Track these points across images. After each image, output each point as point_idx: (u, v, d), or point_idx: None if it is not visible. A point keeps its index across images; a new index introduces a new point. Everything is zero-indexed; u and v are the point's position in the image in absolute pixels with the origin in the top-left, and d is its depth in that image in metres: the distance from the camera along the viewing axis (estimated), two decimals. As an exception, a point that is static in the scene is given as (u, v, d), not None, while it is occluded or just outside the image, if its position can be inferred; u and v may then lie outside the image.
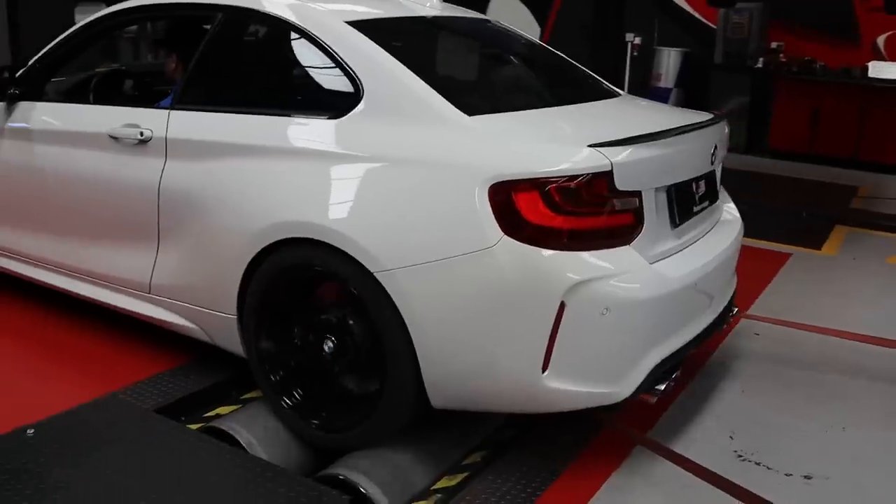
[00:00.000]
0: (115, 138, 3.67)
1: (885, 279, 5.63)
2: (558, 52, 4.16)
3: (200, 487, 2.59)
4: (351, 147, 3.05)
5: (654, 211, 2.99)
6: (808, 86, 9.75)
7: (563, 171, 2.73)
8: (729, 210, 3.85)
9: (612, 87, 4.03)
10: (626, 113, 3.60)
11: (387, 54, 3.16)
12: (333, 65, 3.21)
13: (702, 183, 3.39)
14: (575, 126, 3.10)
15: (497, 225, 2.73)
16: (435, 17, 3.76)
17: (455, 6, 4.07)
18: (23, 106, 4.14)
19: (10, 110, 4.16)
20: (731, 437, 3.40)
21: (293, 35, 3.38)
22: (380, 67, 3.13)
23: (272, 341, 3.24)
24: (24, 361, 3.95)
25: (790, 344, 4.38)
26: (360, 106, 3.10)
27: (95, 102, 4.19)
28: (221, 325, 3.41)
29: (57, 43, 4.14)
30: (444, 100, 3.01)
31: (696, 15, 10.57)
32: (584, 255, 2.76)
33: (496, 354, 2.81)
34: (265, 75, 3.65)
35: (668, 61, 10.64)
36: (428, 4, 3.78)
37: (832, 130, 9.52)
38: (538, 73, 4.06)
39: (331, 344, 3.09)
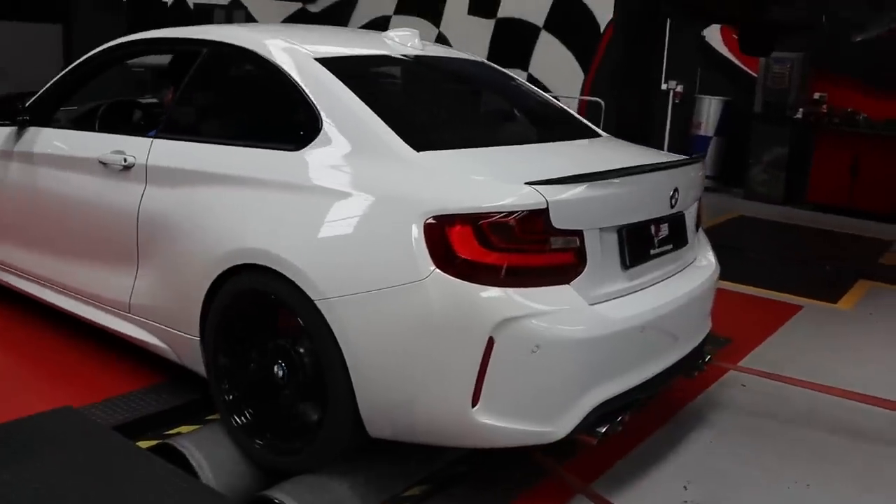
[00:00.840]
0: (103, 164, 3.83)
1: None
2: (542, 93, 4.21)
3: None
4: (303, 178, 3.14)
5: (600, 251, 2.99)
6: (849, 138, 9.57)
7: (495, 207, 2.76)
8: (704, 255, 3.81)
9: (593, 128, 4.05)
10: (588, 153, 3.61)
11: (347, 90, 3.25)
12: (298, 99, 3.31)
13: (663, 226, 3.37)
14: (525, 164, 3.11)
15: (430, 258, 2.76)
16: (416, 56, 3.83)
17: (444, 47, 4.16)
18: (31, 131, 4.34)
19: (19, 135, 4.37)
20: (684, 487, 3.34)
21: (264, 69, 3.49)
22: (338, 102, 3.22)
23: (228, 361, 3.32)
24: (8, 368, 4.12)
25: (777, 398, 4.29)
26: (318, 139, 3.19)
27: (99, 130, 4.35)
28: (187, 345, 3.50)
29: (63, 74, 4.35)
30: (394, 134, 3.08)
31: (739, 63, 10.50)
32: (516, 291, 2.76)
33: (427, 386, 2.83)
34: (236, 107, 3.79)
35: (709, 110, 10.56)
36: (409, 44, 3.85)
37: (872, 184, 9.32)
38: (512, 112, 4.11)
39: (281, 368, 3.15)
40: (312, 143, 3.20)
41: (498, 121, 4.03)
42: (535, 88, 4.25)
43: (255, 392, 3.25)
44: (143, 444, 3.34)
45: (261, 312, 3.20)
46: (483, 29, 12.56)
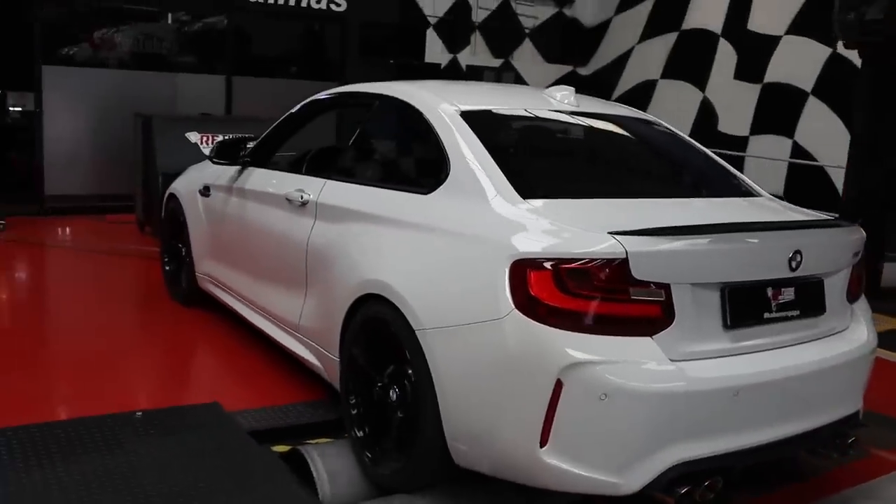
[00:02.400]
0: (288, 200, 4.35)
1: None
2: (705, 152, 4.16)
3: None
4: (420, 218, 3.43)
5: (692, 308, 2.95)
6: None
7: (573, 254, 2.84)
8: (857, 327, 3.55)
9: (753, 187, 3.96)
10: (715, 210, 3.52)
11: (476, 140, 3.49)
12: (435, 146, 3.61)
13: (787, 290, 3.22)
14: (629, 216, 3.12)
15: (510, 298, 2.90)
16: (565, 112, 3.98)
17: (606, 103, 4.28)
18: (248, 171, 5.02)
19: (240, 174, 5.07)
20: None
21: (414, 120, 3.82)
22: (465, 151, 3.47)
23: (357, 380, 3.64)
24: (205, 365, 4.77)
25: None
26: (444, 184, 3.46)
27: (305, 173, 4.92)
28: (332, 365, 3.88)
29: (278, 124, 4.99)
30: (505, 182, 3.26)
31: None
32: (589, 338, 2.82)
33: (501, 421, 2.95)
34: (389, 153, 4.16)
35: None
36: (565, 101, 4.02)
37: None
38: (653, 168, 4.10)
39: (395, 392, 3.41)
40: (439, 188, 3.47)
41: (628, 174, 4.05)
42: (699, 147, 4.22)
43: (375, 410, 3.53)
44: (279, 449, 3.74)
45: (382, 339, 3.49)
46: (749, 94, 12.21)
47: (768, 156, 11.86)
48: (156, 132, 8.08)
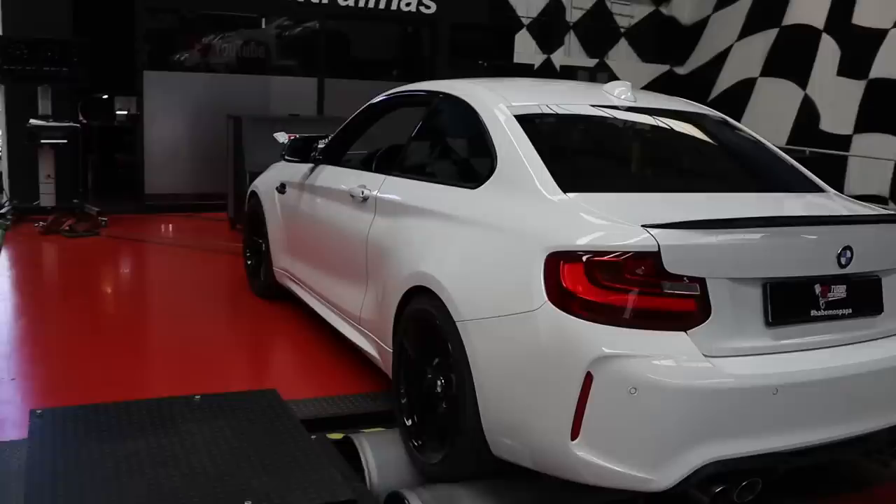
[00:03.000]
0: (352, 195, 4.47)
1: None
2: (769, 147, 4.06)
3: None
4: (468, 212, 3.48)
5: (730, 303, 2.90)
6: None
7: (605, 247, 2.84)
8: None
9: (818, 183, 3.85)
10: (770, 204, 3.44)
11: (523, 136, 3.51)
12: (485, 142, 3.66)
13: (837, 287, 3.12)
14: (672, 210, 3.06)
15: (544, 290, 2.92)
16: (622, 107, 3.95)
17: (665, 97, 4.23)
18: (320, 168, 5.17)
19: (312, 171, 5.22)
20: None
21: (468, 116, 3.87)
22: (512, 146, 3.50)
23: (407, 370, 3.72)
24: (279, 354, 5.01)
25: None
26: (491, 179, 3.50)
27: (375, 170, 5.04)
28: (387, 356, 3.97)
29: (346, 123, 5.13)
30: (548, 176, 3.28)
31: None
32: (616, 329, 2.81)
33: (535, 413, 2.97)
34: (443, 149, 4.22)
35: None
36: (623, 97, 3.99)
37: None
38: (709, 162, 4.02)
39: (441, 383, 3.47)
40: (486, 183, 3.51)
41: (676, 169, 3.98)
42: (762, 141, 4.12)
43: (423, 400, 3.60)
44: (334, 436, 3.84)
45: (429, 331, 3.55)
46: (853, 90, 11.73)
47: (873, 155, 11.38)
48: (245, 132, 8.39)
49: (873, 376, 3.16)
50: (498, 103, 3.78)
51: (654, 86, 13.98)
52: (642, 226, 2.84)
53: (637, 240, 2.82)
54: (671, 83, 14.23)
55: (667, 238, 2.80)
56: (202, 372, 4.67)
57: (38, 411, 3.54)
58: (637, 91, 4.11)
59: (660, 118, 4.07)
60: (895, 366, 3.21)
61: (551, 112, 3.86)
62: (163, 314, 6.17)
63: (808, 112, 12.42)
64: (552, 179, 3.27)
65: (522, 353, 2.99)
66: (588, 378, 2.80)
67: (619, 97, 4.00)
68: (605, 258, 2.84)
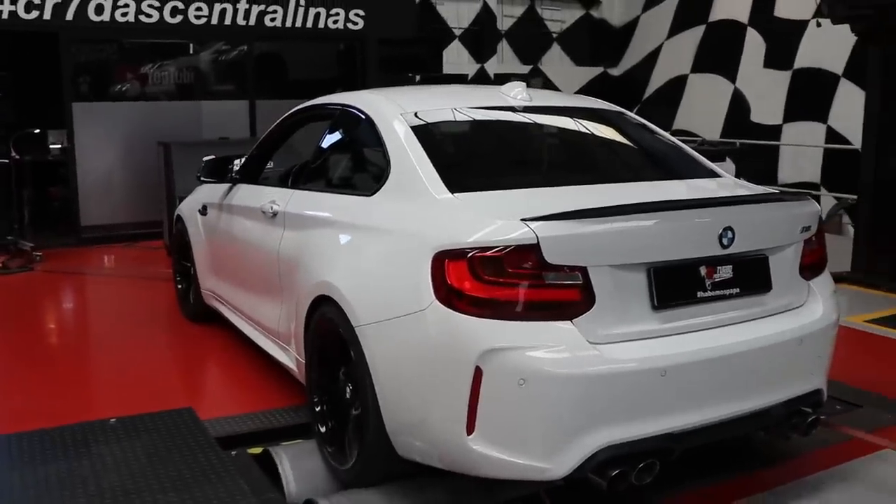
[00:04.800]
0: (263, 212, 4.49)
1: None
2: (665, 137, 4.17)
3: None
4: (364, 219, 3.54)
5: (613, 289, 2.96)
6: None
7: (486, 243, 2.90)
8: (813, 303, 3.50)
9: (714, 169, 3.94)
10: (654, 191, 3.51)
11: (415, 141, 3.57)
12: (380, 149, 3.71)
13: (723, 268, 3.20)
14: (555, 203, 3.07)
15: (431, 289, 2.98)
16: (516, 107, 4.01)
17: (561, 95, 4.33)
18: (237, 188, 5.19)
19: (230, 191, 5.24)
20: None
21: (365, 125, 3.93)
22: (405, 153, 3.55)
23: (318, 378, 3.77)
24: (200, 375, 5.07)
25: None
26: (385, 184, 3.55)
27: (290, 186, 5.06)
28: (303, 368, 3.99)
29: (259, 142, 5.16)
30: (437, 179, 3.34)
31: None
32: (502, 323, 2.87)
33: (432, 412, 3.02)
34: (345, 159, 4.28)
35: None
36: (519, 97, 4.06)
37: None
38: (599, 155, 4.12)
39: (349, 389, 3.51)
40: (380, 189, 3.57)
41: (566, 164, 4.07)
42: (658, 131, 4.22)
43: (334, 407, 3.64)
44: (254, 451, 3.86)
45: (334, 339, 3.58)
46: (780, 81, 12.01)
47: (803, 143, 11.64)
48: (175, 158, 8.40)
49: (763, 353, 3.25)
50: (393, 111, 3.84)
51: (588, 88, 14.19)
52: (522, 220, 2.90)
53: (517, 234, 2.88)
54: (605, 85, 14.45)
55: (545, 230, 2.87)
56: (126, 396, 4.66)
57: (-53, 445, 3.52)
58: (533, 90, 4.19)
59: (555, 116, 4.15)
60: (784, 341, 3.31)
61: (445, 117, 3.93)
62: (94, 343, 6.16)
63: (738, 105, 12.69)
64: (441, 181, 3.33)
65: (416, 353, 3.04)
66: (478, 373, 2.85)
67: (515, 97, 4.08)
68: (486, 254, 2.90)
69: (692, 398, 3.08)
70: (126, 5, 9.52)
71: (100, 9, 9.39)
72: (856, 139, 10.88)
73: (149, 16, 9.67)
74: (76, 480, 3.23)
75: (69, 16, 9.25)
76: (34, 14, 9.09)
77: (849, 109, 11.20)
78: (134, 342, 5.77)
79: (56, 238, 9.49)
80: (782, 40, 11.96)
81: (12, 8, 8.96)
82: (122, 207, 9.90)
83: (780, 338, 3.29)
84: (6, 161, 8.94)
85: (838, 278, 3.84)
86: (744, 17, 12.60)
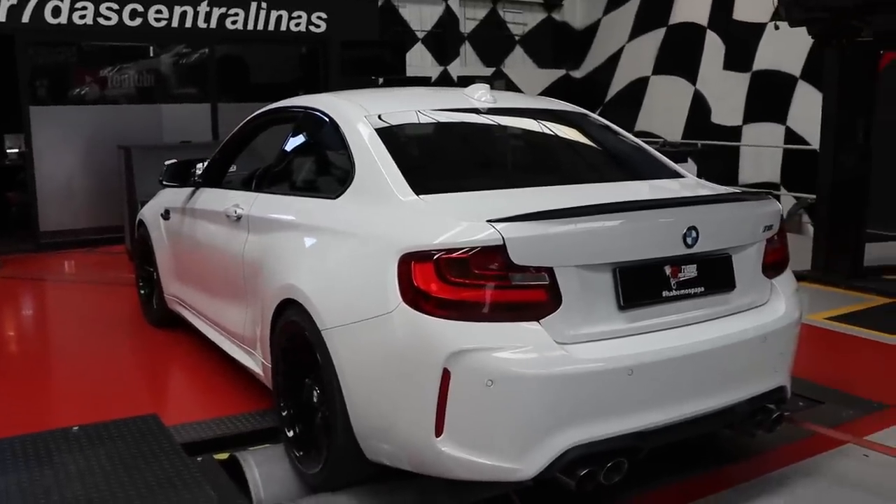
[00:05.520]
0: (227, 215, 4.45)
1: None
2: (627, 138, 4.20)
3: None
4: (329, 222, 3.52)
5: (579, 290, 2.98)
6: None
7: (452, 244, 2.90)
8: (776, 300, 3.54)
9: (676, 169, 3.98)
10: (618, 192, 3.52)
11: (380, 143, 3.56)
12: (344, 152, 3.70)
13: (688, 267, 3.24)
14: (519, 204, 3.07)
15: (398, 292, 2.97)
16: (480, 109, 4.03)
17: (523, 97, 4.34)
18: (200, 191, 5.13)
19: (193, 195, 5.19)
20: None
21: (329, 128, 3.91)
22: (369, 154, 3.54)
23: (285, 383, 3.75)
24: (164, 381, 5.07)
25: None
26: (350, 187, 3.54)
27: (254, 190, 5.01)
28: (269, 372, 3.96)
29: (222, 145, 5.11)
30: (402, 181, 3.34)
31: None
32: (471, 325, 2.87)
33: (400, 414, 3.02)
34: (308, 162, 4.27)
35: None
36: (483, 98, 4.07)
37: None
38: (563, 156, 4.15)
39: (316, 392, 3.49)
40: (345, 192, 3.55)
41: (529, 165, 4.09)
42: (620, 132, 4.26)
43: (302, 411, 3.61)
44: (220, 456, 3.82)
45: (300, 342, 3.56)
46: (739, 83, 12.16)
47: (763, 143, 11.80)
48: (135, 162, 8.30)
49: (728, 351, 3.29)
50: (357, 113, 3.83)
51: (551, 90, 14.26)
52: (487, 221, 2.91)
53: (482, 235, 2.89)
54: (568, 87, 14.53)
55: (511, 231, 2.88)
56: (89, 403, 4.59)
57: None
58: (497, 92, 4.21)
59: (518, 117, 4.17)
60: (748, 339, 3.35)
61: (409, 119, 3.93)
62: (55, 350, 6.07)
63: (699, 106, 12.83)
64: (406, 183, 3.33)
65: (383, 356, 3.03)
66: (445, 374, 2.86)
67: (479, 99, 4.09)
68: (453, 255, 2.90)
69: (659, 397, 3.10)
70: (84, 7, 9.41)
71: (57, 11, 9.27)
72: (814, 140, 11.07)
73: (108, 18, 9.56)
74: (38, 491, 3.16)
75: (25, 18, 9.12)
76: (-11, 16, 8.95)
77: (807, 111, 11.37)
78: (96, 348, 5.69)
79: (15, 244, 9.35)
80: (741, 43, 12.11)
81: (-33, 10, 8.81)
82: (83, 212, 9.76)
83: (743, 336, 3.34)
84: (-38, 166, 8.77)
85: (799, 276, 3.89)
86: (703, 19, 12.74)
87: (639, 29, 13.85)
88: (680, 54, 13.11)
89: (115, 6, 9.56)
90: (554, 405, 2.89)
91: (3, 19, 9.00)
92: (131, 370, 5.41)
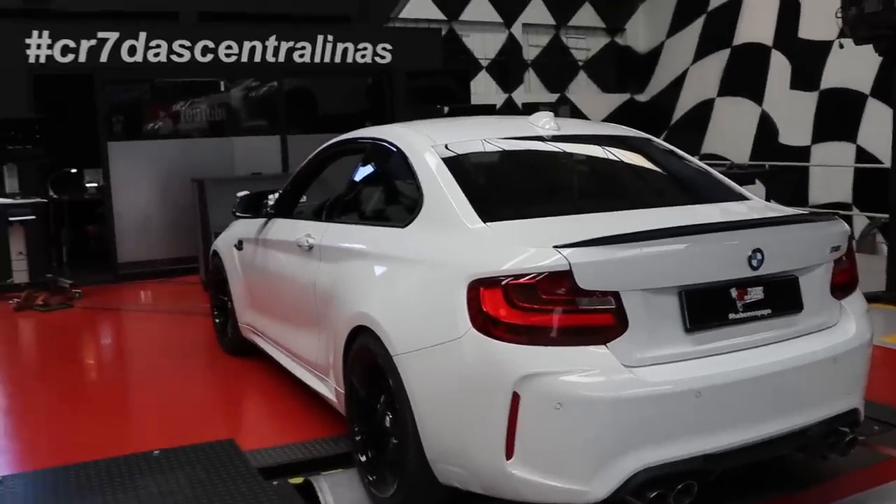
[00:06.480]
0: (299, 245, 4.59)
1: None
2: (693, 162, 4.22)
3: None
4: (399, 250, 3.61)
5: (646, 313, 3.01)
6: None
7: (520, 270, 2.96)
8: (846, 322, 3.51)
9: (742, 192, 3.99)
10: (682, 216, 3.52)
11: (447, 172, 3.65)
12: (413, 181, 3.79)
13: (754, 289, 3.24)
14: (587, 230, 3.10)
15: (468, 317, 3.04)
16: (546, 137, 4.08)
17: (589, 123, 4.38)
18: (272, 222, 5.29)
19: (265, 225, 5.35)
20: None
21: (397, 158, 4.02)
22: (437, 184, 3.63)
23: (358, 408, 3.83)
24: (240, 407, 5.20)
25: None
26: (418, 216, 3.63)
27: (325, 220, 5.14)
28: (342, 398, 4.06)
29: (294, 176, 5.27)
30: (470, 209, 3.42)
31: None
32: (537, 349, 2.92)
33: (471, 437, 3.07)
34: (377, 191, 4.37)
35: None
36: (547, 126, 4.14)
37: None
38: (626, 182, 4.17)
39: (389, 417, 3.57)
40: (414, 221, 3.65)
41: (594, 191, 4.11)
42: (685, 156, 4.28)
43: (374, 436, 3.69)
44: (294, 481, 3.92)
45: (372, 368, 3.64)
46: (807, 102, 12.01)
47: (833, 163, 11.61)
48: (209, 194, 8.57)
49: (798, 372, 3.26)
50: (424, 143, 3.93)
51: (615, 115, 14.26)
52: (554, 247, 2.96)
53: (549, 261, 2.94)
54: (632, 111, 14.52)
55: (578, 256, 2.92)
56: (168, 428, 4.74)
57: (-1, 478, 3.62)
58: (561, 120, 4.27)
59: (583, 144, 4.22)
60: (818, 360, 3.32)
61: (475, 148, 4.01)
62: (135, 377, 6.27)
63: (766, 127, 12.70)
64: (473, 211, 3.41)
65: (454, 381, 3.10)
66: (515, 398, 2.91)
67: (544, 127, 4.15)
68: (520, 281, 2.96)
69: (728, 419, 3.10)
70: (158, 46, 9.77)
71: (133, 50, 9.65)
72: (886, 158, 10.87)
73: (180, 55, 9.91)
74: (122, 512, 3.30)
75: (103, 58, 9.51)
76: (70, 57, 9.36)
77: (878, 128, 11.17)
78: (174, 376, 5.87)
79: (94, 275, 9.68)
80: (807, 62, 11.98)
81: (49, 52, 9.24)
82: (158, 244, 10.09)
83: (813, 357, 3.31)
84: (44, 201, 9.15)
85: (873, 298, 3.84)
86: (768, 39, 12.64)
87: (703, 51, 13.79)
88: (745, 75, 13.01)
89: (188, 43, 9.91)
90: (622, 428, 2.91)
91: (84, 60, 9.40)
92: (208, 397, 5.58)
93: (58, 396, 5.60)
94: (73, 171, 10.54)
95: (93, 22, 9.55)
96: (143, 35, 9.65)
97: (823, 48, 11.64)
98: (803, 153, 12.05)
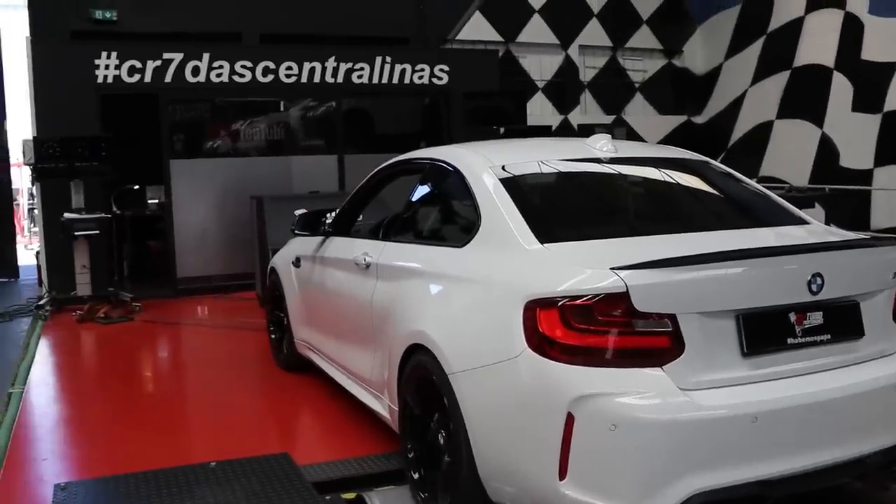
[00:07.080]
0: (356, 263, 4.66)
1: None
2: (750, 185, 4.19)
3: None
4: (456, 270, 3.65)
5: (702, 336, 3.00)
6: None
7: (577, 292, 2.99)
8: None
9: (801, 216, 3.95)
10: (740, 239, 3.49)
11: (505, 193, 3.69)
12: (470, 202, 3.84)
13: (813, 314, 3.21)
14: (644, 253, 3.09)
15: (523, 338, 3.07)
16: (602, 159, 4.10)
17: (645, 146, 4.38)
18: (330, 240, 5.38)
19: (323, 243, 5.43)
20: None
21: (454, 179, 4.07)
22: (495, 205, 3.67)
23: (411, 426, 3.86)
24: (295, 422, 5.29)
25: None
26: (476, 236, 3.67)
27: (382, 239, 5.21)
28: (395, 415, 4.10)
29: (352, 195, 5.35)
30: (528, 230, 3.45)
31: None
32: (593, 370, 2.94)
33: (524, 457, 3.09)
34: (434, 211, 4.41)
35: None
36: (605, 149, 4.15)
37: None
38: (684, 204, 4.15)
39: (442, 435, 3.60)
40: (471, 241, 3.69)
41: (652, 213, 4.10)
42: (743, 179, 4.25)
43: (427, 453, 3.72)
44: (347, 496, 3.97)
45: (427, 386, 3.68)
46: (869, 124, 11.77)
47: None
48: (267, 212, 8.72)
49: (858, 399, 3.22)
50: (482, 164, 3.97)
51: (672, 137, 14.15)
52: (611, 268, 2.97)
53: (607, 282, 2.95)
54: (689, 133, 14.38)
55: (635, 278, 2.93)
56: (224, 440, 4.83)
57: (62, 484, 3.73)
58: (618, 142, 4.29)
59: (639, 166, 4.23)
60: (880, 387, 3.27)
61: (532, 169, 4.04)
62: (193, 390, 6.43)
63: (826, 150, 12.47)
64: (531, 232, 3.43)
65: (508, 400, 3.12)
66: (569, 419, 2.92)
67: (601, 149, 4.17)
68: (577, 302, 2.98)
69: (785, 445, 3.06)
70: (221, 66, 10.00)
71: (196, 70, 9.89)
72: (953, 183, 10.64)
73: (242, 76, 10.13)
74: (182, 521, 3.37)
75: (168, 78, 9.77)
76: (136, 77, 9.64)
77: (944, 152, 10.95)
78: (230, 389, 5.98)
79: (154, 289, 9.91)
80: (871, 83, 11.75)
81: (116, 73, 9.52)
82: (216, 260, 10.28)
83: (874, 384, 3.26)
84: (108, 216, 9.40)
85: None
86: (829, 61, 12.44)
87: (762, 72, 13.61)
88: (805, 97, 12.80)
89: (249, 64, 10.13)
90: (677, 451, 2.90)
91: (149, 80, 9.67)
92: (263, 411, 5.66)
93: (117, 407, 5.74)
94: (136, 187, 10.81)
95: (159, 43, 9.83)
96: (206, 56, 9.89)
97: (888, 69, 11.42)
98: (865, 176, 11.80)
